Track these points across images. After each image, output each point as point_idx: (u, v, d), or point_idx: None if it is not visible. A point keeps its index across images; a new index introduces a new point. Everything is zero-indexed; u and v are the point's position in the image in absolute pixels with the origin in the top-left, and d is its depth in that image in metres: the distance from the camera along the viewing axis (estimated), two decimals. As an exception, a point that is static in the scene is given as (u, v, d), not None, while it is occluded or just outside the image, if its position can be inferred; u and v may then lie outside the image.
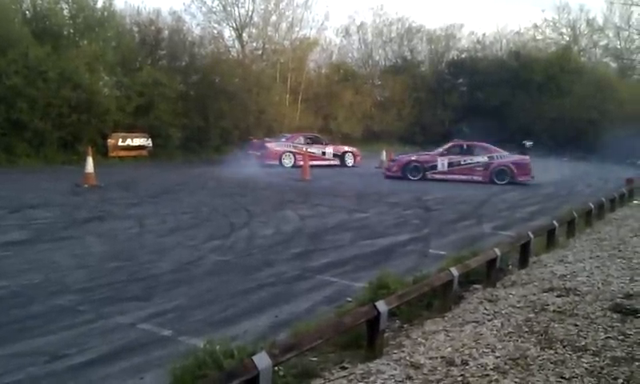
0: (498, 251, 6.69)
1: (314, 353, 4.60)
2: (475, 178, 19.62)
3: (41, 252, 8.10)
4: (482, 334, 4.86)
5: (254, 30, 33.37)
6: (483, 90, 39.70)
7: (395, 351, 4.64)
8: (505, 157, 20.06)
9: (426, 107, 40.11)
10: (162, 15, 29.07)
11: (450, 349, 4.56)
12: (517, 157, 20.37)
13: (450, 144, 21.16)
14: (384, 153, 24.50)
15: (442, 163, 19.98)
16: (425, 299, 5.80)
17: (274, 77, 32.00)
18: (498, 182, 19.17)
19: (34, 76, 20.32)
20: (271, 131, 28.99)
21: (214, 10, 32.21)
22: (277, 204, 13.23)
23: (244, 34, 32.95)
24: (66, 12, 24.11)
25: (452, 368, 4.21)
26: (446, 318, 5.45)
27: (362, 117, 36.79)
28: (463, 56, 43.47)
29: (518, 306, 5.65)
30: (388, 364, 4.33)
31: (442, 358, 4.39)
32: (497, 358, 4.36)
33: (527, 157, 20.43)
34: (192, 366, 3.98)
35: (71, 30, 24.10)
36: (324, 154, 24.26)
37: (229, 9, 32.36)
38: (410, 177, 19.74)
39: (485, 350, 4.51)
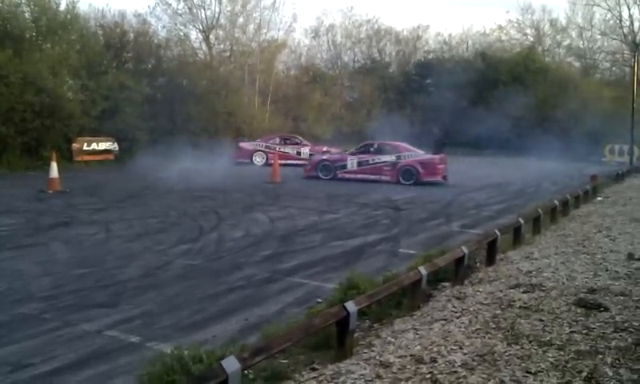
0: (465, 249, 6.77)
1: (284, 355, 4.60)
2: (383, 177, 19.14)
3: (4, 260, 7.91)
4: (450, 332, 4.91)
5: (221, 32, 33.21)
6: (451, 91, 40.18)
7: (365, 351, 4.66)
8: (414, 156, 19.36)
9: (395, 108, 40.41)
10: (127, 18, 28.76)
11: (419, 347, 4.60)
12: (426, 156, 19.60)
13: (361, 144, 21.04)
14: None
15: (352, 162, 19.77)
16: (394, 298, 5.84)
17: (243, 79, 31.88)
18: (404, 182, 18.67)
19: (-4, 80, 19.83)
20: (240, 133, 28.81)
21: (180, 12, 31.96)
22: (246, 206, 13.16)
23: (211, 36, 32.72)
24: (27, 15, 23.50)
25: (421, 366, 4.24)
26: (415, 317, 5.49)
27: (332, 118, 36.91)
28: (430, 57, 43.96)
29: (485, 302, 5.73)
30: (358, 364, 4.34)
31: (411, 356, 4.42)
32: (465, 354, 4.41)
33: (436, 156, 19.61)
34: (160, 372, 3.93)
35: (34, 33, 23.50)
36: (299, 154, 24.39)
37: (195, 11, 32.15)
38: (322, 176, 19.68)
39: (453, 347, 4.55)
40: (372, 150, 20.01)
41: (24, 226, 10.38)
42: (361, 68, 42.65)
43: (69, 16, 24.51)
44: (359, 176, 19.40)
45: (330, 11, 73.36)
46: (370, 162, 19.58)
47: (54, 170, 15.03)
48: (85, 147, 22.66)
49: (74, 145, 22.29)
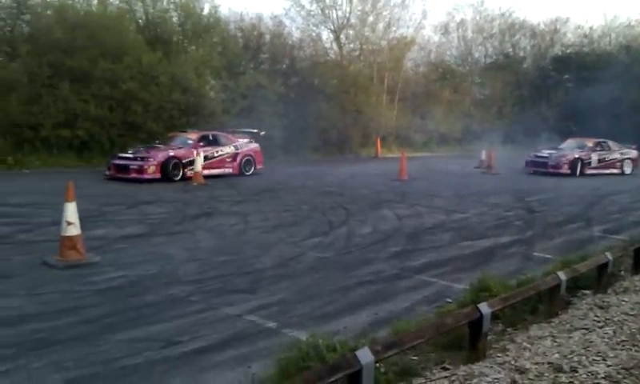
0: (609, 256, 6.37)
1: (415, 352, 4.63)
2: (227, 170, 18.06)
3: (156, 245, 8.66)
4: (592, 342, 4.66)
5: (351, 32, 33.52)
6: (591, 87, 37.43)
7: (499, 355, 4.56)
8: (245, 145, 18.98)
9: (529, 105, 38.51)
10: (264, 20, 29.98)
11: (557, 355, 4.42)
12: (253, 146, 19.29)
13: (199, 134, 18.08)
14: (484, 152, 23.79)
15: (200, 157, 16.77)
16: (530, 303, 5.65)
17: (371, 77, 32.03)
18: (246, 173, 18.45)
19: (148, 81, 21.59)
20: (368, 131, 29.00)
21: (313, 13, 32.65)
22: (374, 203, 13.28)
23: (341, 36, 33.16)
24: (175, 19, 25.40)
25: (560, 375, 4.08)
26: (552, 324, 5.27)
27: (461, 115, 35.95)
28: (569, 51, 41.26)
29: (631, 313, 5.35)
30: (491, 367, 4.26)
31: (549, 363, 4.26)
32: (608, 366, 4.17)
33: (257, 144, 19.52)
34: (296, 357, 4.13)
35: (180, 37, 25.36)
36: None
37: (327, 11, 32.68)
38: (174, 177, 16.28)
39: (595, 358, 4.32)
40: (210, 141, 18.04)
41: (173, 214, 11.31)
42: (492, 64, 41.05)
43: (211, 20, 26.13)
44: (206, 172, 16.82)
45: (460, 6, 71.16)
46: (216, 154, 17.86)
47: (198, 164, 16.35)
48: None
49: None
